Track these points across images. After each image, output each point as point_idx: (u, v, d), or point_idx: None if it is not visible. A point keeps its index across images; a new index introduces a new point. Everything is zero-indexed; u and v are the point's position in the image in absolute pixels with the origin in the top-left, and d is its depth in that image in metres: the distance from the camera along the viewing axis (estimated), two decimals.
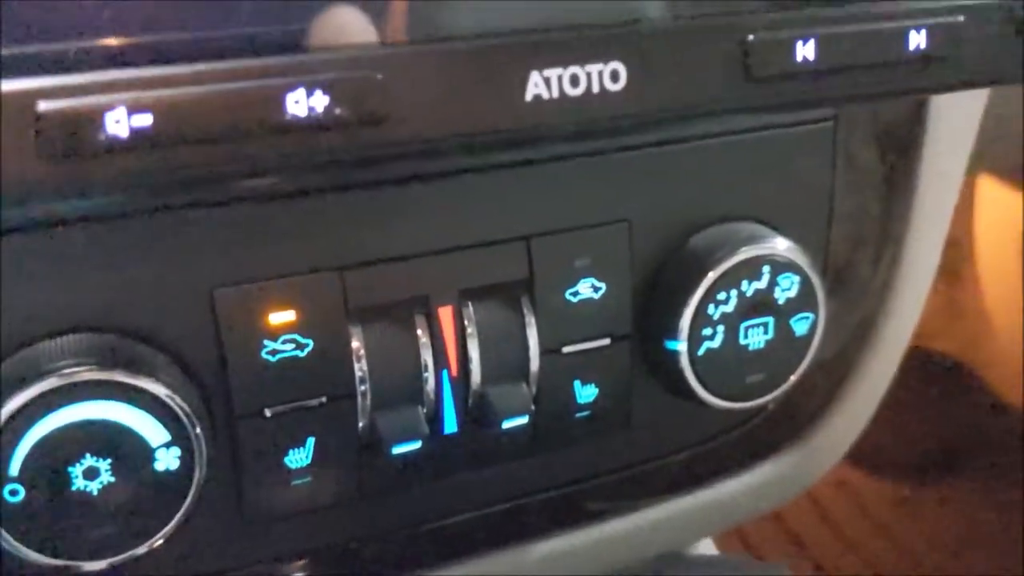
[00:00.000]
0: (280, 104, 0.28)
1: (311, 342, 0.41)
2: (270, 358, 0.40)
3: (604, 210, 0.45)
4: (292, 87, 0.28)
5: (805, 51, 0.34)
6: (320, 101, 0.28)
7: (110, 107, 0.26)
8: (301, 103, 0.28)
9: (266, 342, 0.40)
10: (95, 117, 0.26)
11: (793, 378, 0.48)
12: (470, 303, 0.43)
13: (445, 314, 0.43)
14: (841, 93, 0.36)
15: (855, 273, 0.53)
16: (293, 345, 0.40)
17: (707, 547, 0.67)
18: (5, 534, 0.36)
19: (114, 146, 0.27)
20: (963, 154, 0.54)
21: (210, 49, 0.28)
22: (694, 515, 0.53)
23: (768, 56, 0.35)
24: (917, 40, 0.36)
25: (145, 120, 0.27)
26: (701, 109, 0.34)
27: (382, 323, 0.42)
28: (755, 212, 0.47)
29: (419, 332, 0.42)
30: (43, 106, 0.27)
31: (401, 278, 0.42)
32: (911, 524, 1.51)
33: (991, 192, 1.26)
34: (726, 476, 0.54)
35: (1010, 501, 1.37)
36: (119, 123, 0.27)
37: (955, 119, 0.51)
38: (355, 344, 0.42)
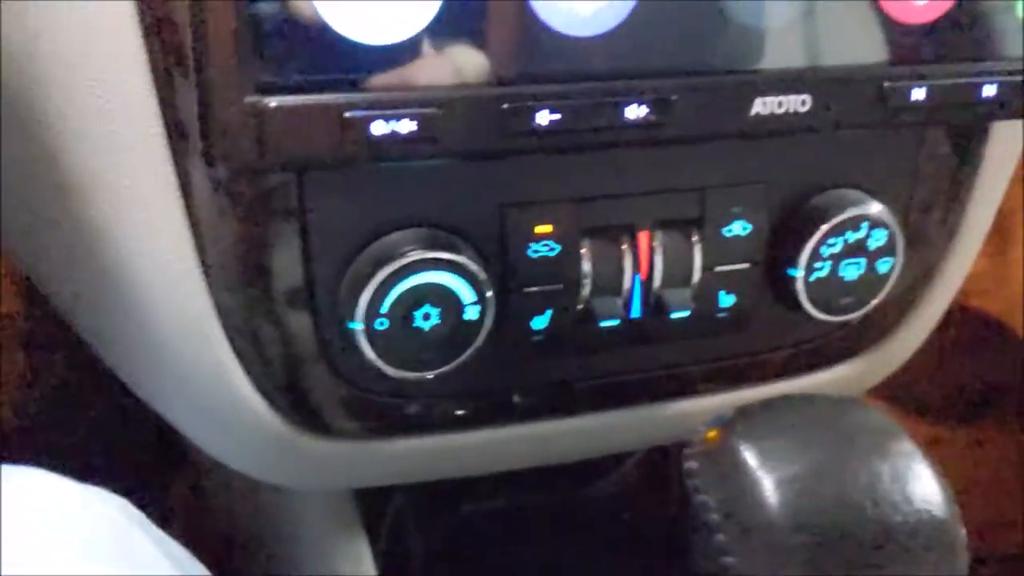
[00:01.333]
0: (622, 111, 0.50)
1: (559, 247, 0.61)
2: (533, 255, 0.61)
3: (754, 173, 0.64)
4: (628, 103, 0.50)
5: (918, 94, 0.55)
6: (642, 111, 0.50)
7: (537, 108, 0.48)
8: (633, 111, 0.50)
9: (531, 244, 0.61)
10: (528, 112, 0.48)
11: (874, 302, 0.67)
12: (659, 231, 0.63)
13: (643, 237, 0.63)
14: (938, 119, 0.56)
15: (926, 230, 0.72)
16: (547, 248, 0.61)
17: None
18: (371, 351, 0.58)
19: (538, 131, 0.49)
20: (1019, 140, 0.73)
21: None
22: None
23: (896, 95, 0.55)
24: (990, 91, 0.56)
25: (556, 116, 0.49)
26: (855, 124, 0.55)
27: (602, 239, 0.62)
28: (858, 181, 0.66)
29: (624, 247, 0.63)
30: (505, 106, 0.49)
31: (617, 210, 0.62)
32: (942, 462, 1.68)
33: None
34: (815, 370, 0.74)
35: None
36: (542, 116, 0.49)
37: None
38: (583, 251, 0.62)
